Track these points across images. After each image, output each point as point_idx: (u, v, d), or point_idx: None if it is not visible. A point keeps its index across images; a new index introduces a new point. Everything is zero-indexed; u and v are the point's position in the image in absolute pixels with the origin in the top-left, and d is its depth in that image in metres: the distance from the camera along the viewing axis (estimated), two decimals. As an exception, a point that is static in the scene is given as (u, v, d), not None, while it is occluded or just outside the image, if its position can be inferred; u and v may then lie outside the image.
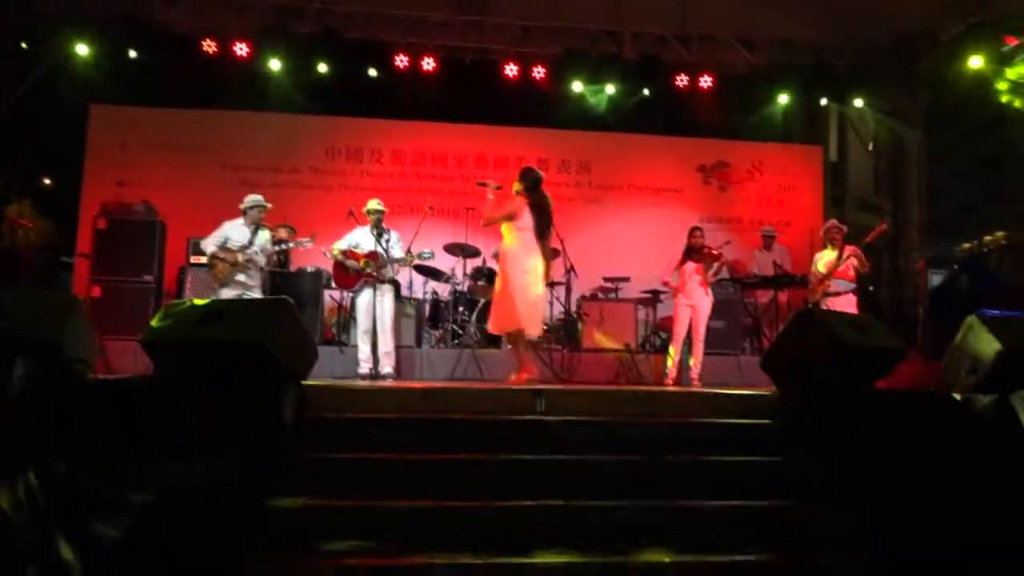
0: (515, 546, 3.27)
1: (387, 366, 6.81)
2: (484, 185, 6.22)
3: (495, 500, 3.51)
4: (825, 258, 7.30)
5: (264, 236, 6.89)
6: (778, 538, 3.50)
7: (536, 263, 5.93)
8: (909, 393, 4.13)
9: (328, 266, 8.03)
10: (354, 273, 6.83)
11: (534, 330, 6.01)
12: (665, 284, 7.34)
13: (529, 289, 5.88)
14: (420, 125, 10.35)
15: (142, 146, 9.69)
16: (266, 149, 9.96)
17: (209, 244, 6.77)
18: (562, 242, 7.42)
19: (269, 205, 6.98)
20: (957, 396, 4.05)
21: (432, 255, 7.22)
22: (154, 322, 4.11)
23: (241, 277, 6.70)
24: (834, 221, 7.59)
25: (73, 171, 9.56)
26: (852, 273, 7.15)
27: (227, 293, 6.65)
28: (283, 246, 6.98)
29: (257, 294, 6.81)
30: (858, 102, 10.60)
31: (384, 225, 7.03)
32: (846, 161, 12.12)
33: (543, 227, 6.00)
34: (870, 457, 3.80)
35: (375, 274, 6.80)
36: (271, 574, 3.06)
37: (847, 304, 7.05)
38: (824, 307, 6.97)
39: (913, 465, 3.74)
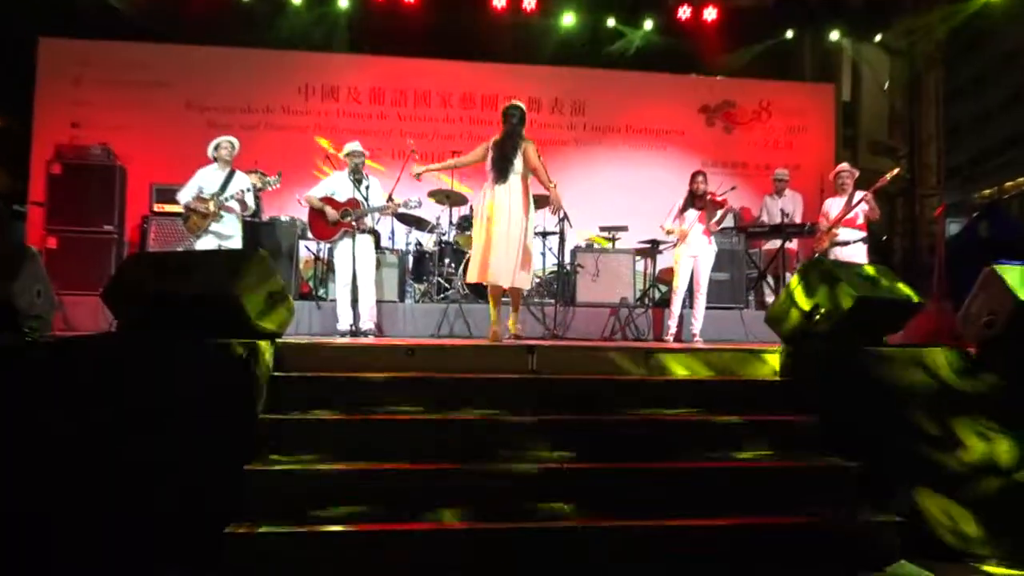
0: (510, 510, 3.31)
1: (368, 322, 6.79)
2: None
3: (486, 462, 3.54)
4: (835, 205, 7.30)
5: (240, 180, 6.84)
6: (785, 499, 3.55)
7: (485, 207, 5.75)
8: (922, 348, 4.16)
9: (303, 215, 7.97)
10: (332, 223, 6.77)
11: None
12: (666, 232, 7.31)
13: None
14: (402, 62, 10.18)
15: (98, 84, 9.50)
16: (234, 87, 9.79)
17: (184, 195, 6.74)
18: (555, 188, 7.35)
19: (236, 141, 6.90)
20: (972, 351, 4.09)
21: (419, 203, 7.15)
22: (117, 275, 4.08)
23: (216, 227, 6.68)
24: (845, 165, 7.58)
25: (22, 112, 9.38)
26: (862, 221, 7.15)
27: (202, 245, 6.64)
28: (251, 190, 6.92)
29: (236, 244, 6.77)
30: (873, 37, 10.48)
31: (362, 171, 6.94)
32: (859, 101, 12.07)
33: (495, 164, 5.74)
34: (877, 415, 3.84)
35: (355, 224, 6.74)
36: (251, 543, 3.08)
37: (857, 254, 7.07)
38: (832, 257, 6.97)
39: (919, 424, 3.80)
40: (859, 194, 7.12)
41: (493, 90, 10.21)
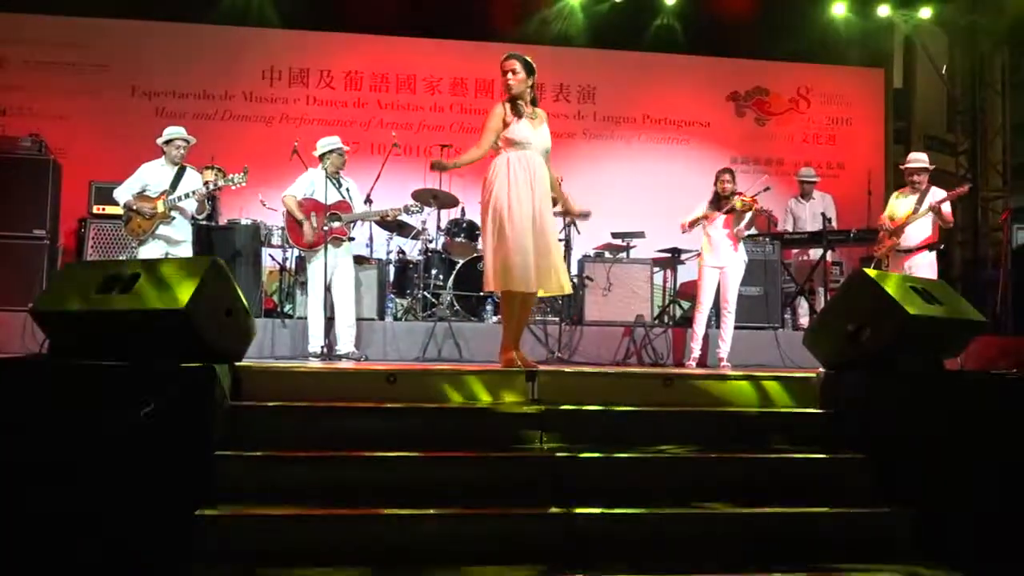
0: (506, 565, 3.30)
1: (348, 344, 6.85)
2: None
3: (478, 508, 3.54)
4: (903, 204, 7.08)
5: (192, 178, 6.88)
6: (829, 554, 3.56)
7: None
8: (983, 376, 4.17)
9: (268, 218, 8.00)
10: (320, 228, 6.76)
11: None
12: (687, 226, 7.20)
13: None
14: (382, 40, 10.23)
15: (28, 64, 9.53)
16: (188, 70, 9.81)
17: (123, 192, 6.75)
18: (559, 186, 7.39)
19: (192, 139, 6.95)
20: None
21: (421, 209, 7.29)
22: (49, 288, 4.09)
23: (164, 231, 6.71)
24: (918, 155, 7.28)
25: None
26: (931, 230, 6.96)
27: (148, 251, 6.65)
28: (209, 188, 6.96)
29: (186, 251, 6.81)
30: (927, 12, 10.53)
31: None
32: (913, 88, 12.10)
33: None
34: (934, 455, 3.85)
35: (345, 230, 6.82)
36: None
37: (924, 265, 6.88)
38: (898, 268, 6.86)
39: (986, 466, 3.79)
40: (934, 194, 6.92)
41: (488, 74, 10.23)
